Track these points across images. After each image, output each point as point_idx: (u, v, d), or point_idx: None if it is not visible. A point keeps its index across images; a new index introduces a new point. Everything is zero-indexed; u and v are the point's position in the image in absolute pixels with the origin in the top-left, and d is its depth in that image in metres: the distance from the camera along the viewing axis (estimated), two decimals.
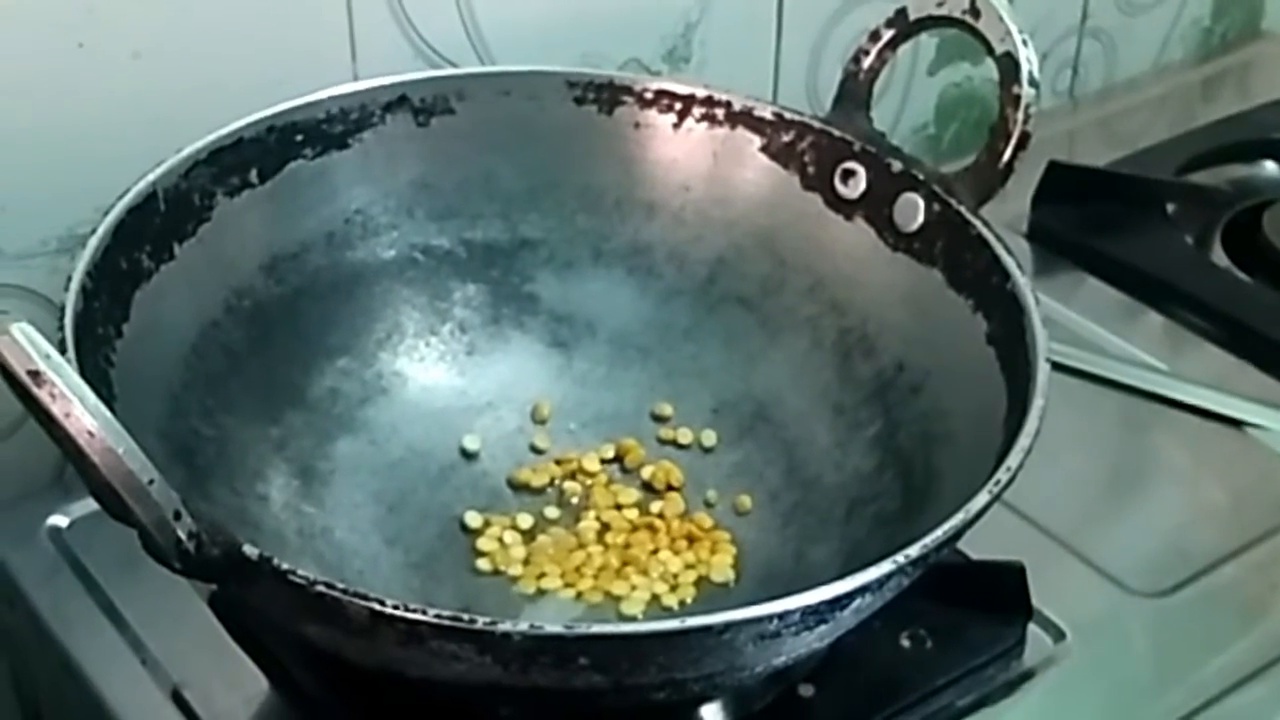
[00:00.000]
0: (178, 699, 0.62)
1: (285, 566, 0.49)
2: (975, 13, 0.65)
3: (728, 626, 0.49)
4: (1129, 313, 0.86)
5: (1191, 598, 0.68)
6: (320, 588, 0.49)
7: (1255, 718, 0.64)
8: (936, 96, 1.00)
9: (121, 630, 0.65)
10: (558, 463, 0.70)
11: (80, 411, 0.46)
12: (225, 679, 0.63)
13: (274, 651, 0.63)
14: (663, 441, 0.71)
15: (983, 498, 0.53)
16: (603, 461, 0.70)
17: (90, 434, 0.46)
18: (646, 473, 0.70)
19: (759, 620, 0.49)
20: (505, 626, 0.48)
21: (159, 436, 0.59)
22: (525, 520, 0.67)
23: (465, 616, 0.48)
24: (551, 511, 0.68)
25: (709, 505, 0.69)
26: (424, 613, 0.48)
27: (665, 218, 0.73)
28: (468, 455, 0.70)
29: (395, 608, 0.48)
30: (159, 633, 0.65)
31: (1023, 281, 0.62)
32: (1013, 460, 0.55)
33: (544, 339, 0.73)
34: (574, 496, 0.69)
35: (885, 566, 0.51)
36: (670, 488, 0.69)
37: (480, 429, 0.71)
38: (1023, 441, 0.55)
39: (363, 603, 0.48)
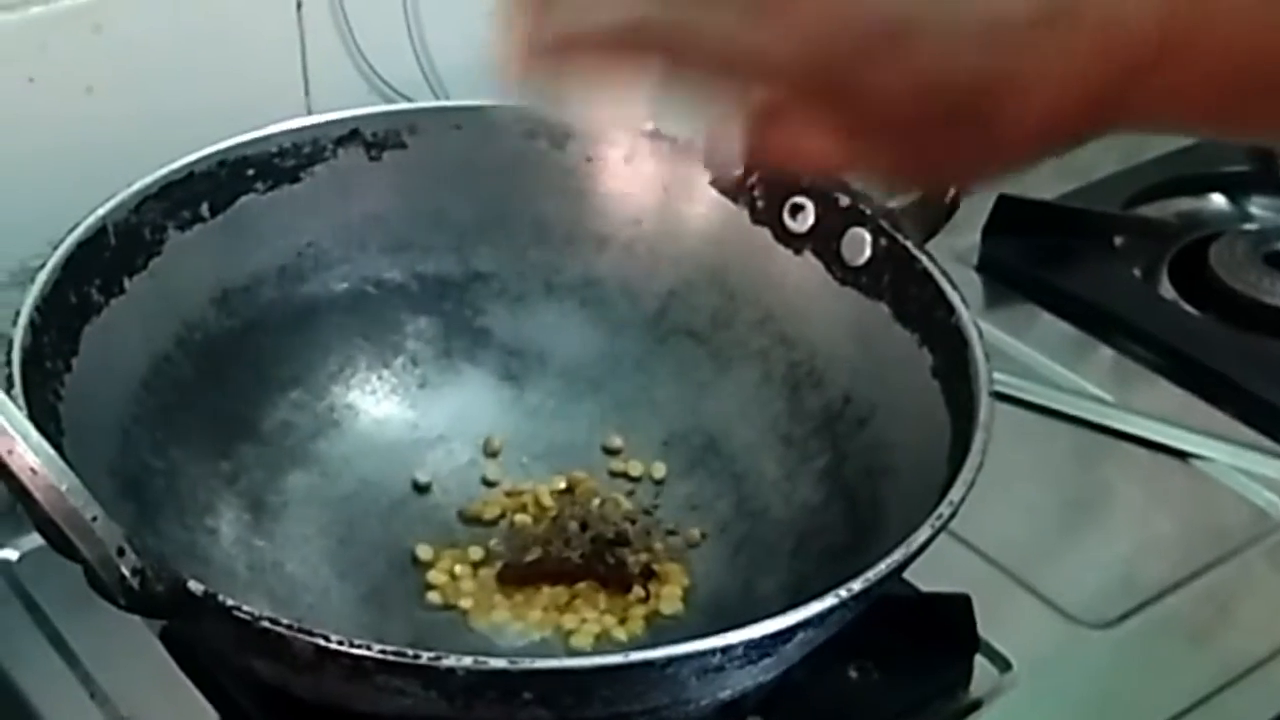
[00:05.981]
0: None
1: (230, 602, 0.49)
2: None
3: (670, 661, 0.49)
4: (1077, 345, 0.86)
5: (1137, 628, 0.69)
6: (265, 623, 0.49)
7: None
8: None
9: (71, 664, 0.65)
10: (509, 495, 0.70)
11: (23, 449, 0.46)
12: (176, 714, 0.63)
13: (225, 686, 0.63)
14: (614, 474, 0.72)
15: (925, 531, 0.54)
16: (554, 494, 0.70)
17: (33, 470, 0.46)
18: (597, 505, 0.69)
19: (702, 654, 0.50)
20: (450, 661, 0.48)
21: (108, 471, 0.60)
22: (476, 553, 0.68)
23: (410, 652, 0.48)
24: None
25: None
26: (369, 648, 0.48)
27: (616, 251, 0.74)
28: (419, 488, 0.70)
29: (340, 643, 0.48)
30: (109, 666, 0.64)
31: (966, 316, 0.63)
32: (955, 494, 0.55)
33: (496, 372, 0.74)
34: (525, 529, 0.69)
35: (828, 601, 0.51)
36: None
37: (432, 462, 0.71)
38: (965, 475, 0.56)
39: (307, 638, 0.49)
